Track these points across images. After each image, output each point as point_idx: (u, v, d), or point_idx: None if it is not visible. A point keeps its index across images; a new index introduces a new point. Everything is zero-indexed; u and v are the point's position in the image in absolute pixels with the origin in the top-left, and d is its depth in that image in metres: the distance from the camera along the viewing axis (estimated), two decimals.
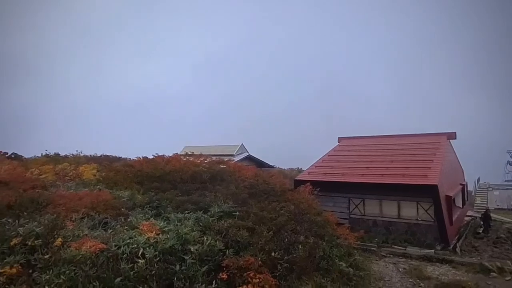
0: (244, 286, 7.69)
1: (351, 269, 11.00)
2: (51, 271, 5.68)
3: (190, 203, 11.61)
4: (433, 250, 15.93)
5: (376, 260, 14.81)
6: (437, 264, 14.39)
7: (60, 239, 6.75)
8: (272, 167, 36.87)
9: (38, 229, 7.05)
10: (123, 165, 21.58)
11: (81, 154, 31.71)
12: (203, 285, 7.07)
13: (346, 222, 18.89)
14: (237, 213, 10.77)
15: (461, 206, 22.31)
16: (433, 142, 21.65)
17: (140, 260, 6.70)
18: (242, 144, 33.07)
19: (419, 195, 17.66)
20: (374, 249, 16.36)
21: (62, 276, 5.52)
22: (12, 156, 31.77)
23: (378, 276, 12.46)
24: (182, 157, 20.25)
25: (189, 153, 22.41)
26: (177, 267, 7.14)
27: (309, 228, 11.32)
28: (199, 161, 17.98)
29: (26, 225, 7.19)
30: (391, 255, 15.67)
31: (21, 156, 33.26)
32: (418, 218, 17.89)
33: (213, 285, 7.30)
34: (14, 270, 5.39)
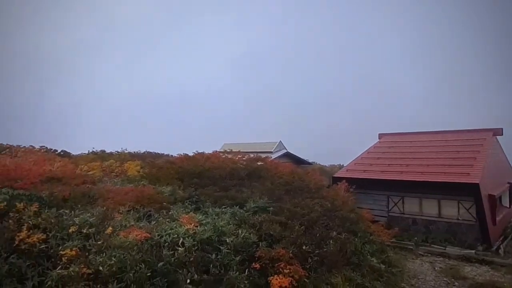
0: (275, 276, 8.44)
1: (383, 265, 11.45)
2: (104, 254, 6.70)
3: (227, 198, 12.50)
4: (473, 251, 15.93)
5: (413, 259, 15.07)
6: (476, 264, 14.47)
7: (110, 228, 7.80)
8: (310, 164, 37.27)
9: (91, 219, 8.17)
10: (164, 162, 22.90)
11: (126, 151, 33.71)
12: (237, 272, 7.84)
13: (385, 220, 19.16)
14: (271, 208, 11.50)
15: (508, 206, 21.85)
16: (478, 139, 21.34)
17: (180, 248, 7.61)
18: (280, 141, 33.65)
19: (460, 193, 17.63)
20: (412, 247, 16.58)
21: (113, 258, 6.52)
22: (62, 153, 34.26)
23: (412, 274, 12.79)
24: (221, 154, 21.23)
25: (228, 150, 23.40)
26: (213, 255, 7.98)
27: (341, 224, 11.86)
28: (237, 158, 18.87)
29: (81, 216, 8.32)
30: (429, 254, 15.86)
31: (69, 153, 35.76)
32: (459, 218, 17.86)
33: (246, 273, 8.08)
34: (73, 252, 6.43)
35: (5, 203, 8.06)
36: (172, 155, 40.94)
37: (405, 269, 12.93)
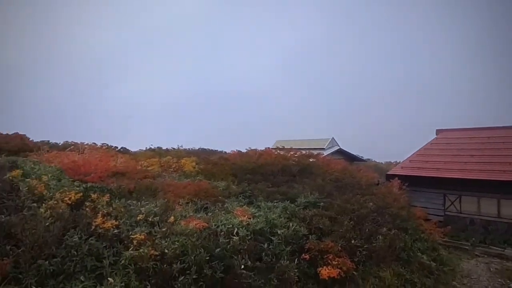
0: (324, 267, 9.04)
1: (434, 263, 11.63)
2: (168, 239, 7.66)
3: (279, 193, 13.23)
4: None
5: (468, 259, 14.97)
6: None
7: (172, 217, 8.78)
8: (364, 161, 37.09)
9: (155, 209, 9.22)
10: (219, 159, 24.08)
11: (181, 148, 35.57)
12: (288, 261, 8.52)
13: (441, 219, 19.00)
14: (322, 204, 12.07)
15: None
16: None
17: (235, 237, 8.42)
18: (333, 137, 33.81)
19: None
20: (467, 248, 16.41)
21: (176, 243, 7.47)
22: (121, 150, 36.69)
23: (465, 274, 12.80)
24: (273, 151, 21.98)
25: (280, 147, 24.10)
26: (266, 245, 8.73)
27: (392, 221, 12.17)
28: (289, 155, 19.50)
29: (146, 206, 9.39)
30: (485, 255, 15.63)
31: (128, 150, 38.19)
32: None
33: (296, 263, 8.75)
34: (142, 237, 7.45)
35: (81, 193, 9.29)
36: (225, 152, 42.55)
37: (457, 268, 12.96)
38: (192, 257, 7.27)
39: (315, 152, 23.03)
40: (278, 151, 21.42)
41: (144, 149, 40.62)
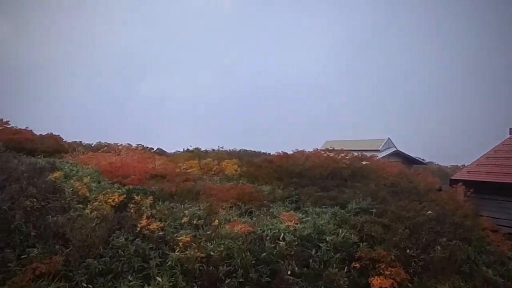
0: (376, 277, 9.47)
1: (501, 279, 11.66)
2: (214, 242, 8.42)
3: (328, 198, 13.70)
4: None
5: None
6: None
7: (217, 221, 9.54)
8: (425, 164, 36.56)
9: (199, 212, 10.01)
10: (262, 161, 24.79)
11: (222, 149, 36.72)
12: (337, 269, 9.04)
13: None
14: (374, 210, 12.44)
15: None
16: None
17: (281, 242, 9.04)
18: (388, 138, 33.72)
19: None
20: None
21: (222, 246, 8.20)
22: (157, 151, 38.32)
23: None
24: (322, 152, 22.40)
25: (330, 148, 24.47)
26: (313, 251, 9.29)
27: (453, 231, 12.32)
28: (339, 157, 19.86)
29: (190, 209, 10.22)
30: None
31: (165, 151, 39.78)
32: None
33: (345, 271, 9.24)
34: (188, 239, 8.24)
35: (124, 195, 10.26)
36: (269, 154, 43.23)
37: None
38: (238, 260, 7.97)
39: (368, 154, 23.23)
40: (328, 153, 21.81)
41: (182, 150, 42.20)
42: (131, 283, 7.12)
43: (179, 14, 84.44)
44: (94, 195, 10.26)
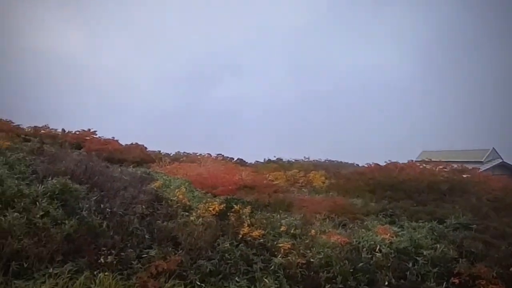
0: None
1: None
2: (313, 249, 9.93)
3: (425, 213, 14.67)
4: None
5: None
6: None
7: (313, 231, 11.06)
8: None
9: (296, 222, 11.60)
10: (352, 173, 26.09)
11: (307, 160, 38.43)
12: (434, 283, 10.13)
13: None
14: (475, 226, 13.24)
15: None
16: None
17: (377, 254, 10.33)
18: (493, 148, 33.34)
19: None
20: None
21: (322, 253, 9.69)
22: (238, 161, 40.60)
23: None
24: (418, 164, 23.14)
25: (427, 159, 25.11)
26: (410, 264, 10.44)
27: None
28: (437, 170, 20.56)
29: (286, 219, 11.85)
30: None
31: (245, 162, 41.97)
32: None
33: (443, 286, 10.30)
34: (288, 246, 9.83)
35: (224, 204, 12.09)
36: (357, 165, 44.02)
37: None
38: (337, 268, 9.36)
39: (469, 166, 23.56)
40: (424, 164, 22.52)
41: (263, 161, 44.32)
42: (239, 283, 8.79)
43: (253, 20, 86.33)
44: (195, 204, 12.25)
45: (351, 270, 9.52)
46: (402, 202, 16.10)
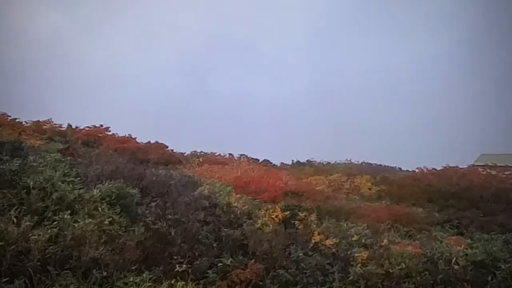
0: None
1: None
2: (391, 259, 10.74)
3: (496, 224, 15.37)
4: None
5: None
6: None
7: (385, 240, 11.86)
8: None
9: (365, 231, 12.43)
10: (405, 178, 26.65)
11: (348, 162, 39.07)
12: None
13: None
14: None
15: None
16: None
17: (455, 266, 11.09)
18: None
19: None
20: None
21: (403, 264, 10.49)
22: (264, 162, 41.32)
23: None
24: (480, 170, 23.63)
25: (489, 164, 25.54)
26: (489, 277, 11.17)
27: None
28: (503, 176, 21.01)
29: (354, 228, 12.70)
30: None
31: (271, 163, 42.63)
32: None
33: None
34: (365, 255, 10.66)
35: (288, 212, 12.93)
36: (399, 169, 44.37)
37: None
38: (418, 279, 10.17)
39: None
40: (488, 170, 22.99)
41: (290, 163, 44.98)
42: None
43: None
44: (254, 211, 13.15)
45: (431, 282, 10.29)
46: (469, 212, 16.76)
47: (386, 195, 22.12)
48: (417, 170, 28.69)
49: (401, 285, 10.02)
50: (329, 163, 41.03)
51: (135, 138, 31.19)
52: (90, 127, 29.08)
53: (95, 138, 27.56)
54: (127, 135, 30.68)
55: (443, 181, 21.27)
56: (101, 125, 29.51)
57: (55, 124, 28.36)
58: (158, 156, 28.32)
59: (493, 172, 21.65)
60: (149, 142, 32.03)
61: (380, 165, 48.71)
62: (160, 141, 32.39)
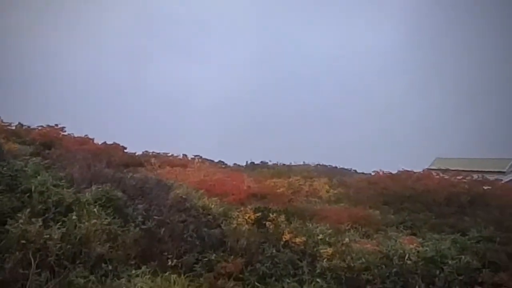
0: None
1: None
2: (352, 255, 13.44)
3: (446, 226, 18.16)
4: None
5: None
6: None
7: (347, 239, 14.57)
8: None
9: (328, 231, 15.11)
10: (360, 181, 29.33)
11: (305, 164, 41.57)
12: None
13: None
14: (498, 238, 16.64)
15: None
16: None
17: (408, 261, 13.83)
18: None
19: None
20: None
21: (362, 259, 13.20)
22: (219, 163, 43.39)
23: None
24: (434, 174, 26.34)
25: (443, 168, 28.24)
26: (437, 272, 13.91)
27: None
28: (456, 181, 23.66)
29: (319, 228, 15.39)
30: None
31: (226, 164, 44.53)
32: None
33: None
34: (330, 251, 13.36)
35: (259, 214, 15.45)
36: (355, 171, 47.11)
37: None
38: (375, 271, 12.94)
39: (490, 177, 26.82)
40: (441, 174, 25.72)
41: (244, 164, 47.24)
42: (289, 284, 12.37)
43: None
44: (227, 212, 15.73)
45: (387, 274, 13.04)
46: (422, 214, 19.62)
47: (344, 198, 24.82)
48: (373, 173, 31.35)
49: (361, 276, 12.85)
50: (285, 164, 43.02)
51: (93, 138, 31.21)
52: (43, 127, 28.69)
53: (52, 139, 27.22)
54: (83, 136, 30.77)
55: (399, 185, 23.88)
56: (56, 125, 29.24)
57: (4, 123, 27.67)
58: (119, 157, 29.10)
59: (446, 176, 24.22)
60: (105, 142, 32.09)
61: (336, 167, 51.29)
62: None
